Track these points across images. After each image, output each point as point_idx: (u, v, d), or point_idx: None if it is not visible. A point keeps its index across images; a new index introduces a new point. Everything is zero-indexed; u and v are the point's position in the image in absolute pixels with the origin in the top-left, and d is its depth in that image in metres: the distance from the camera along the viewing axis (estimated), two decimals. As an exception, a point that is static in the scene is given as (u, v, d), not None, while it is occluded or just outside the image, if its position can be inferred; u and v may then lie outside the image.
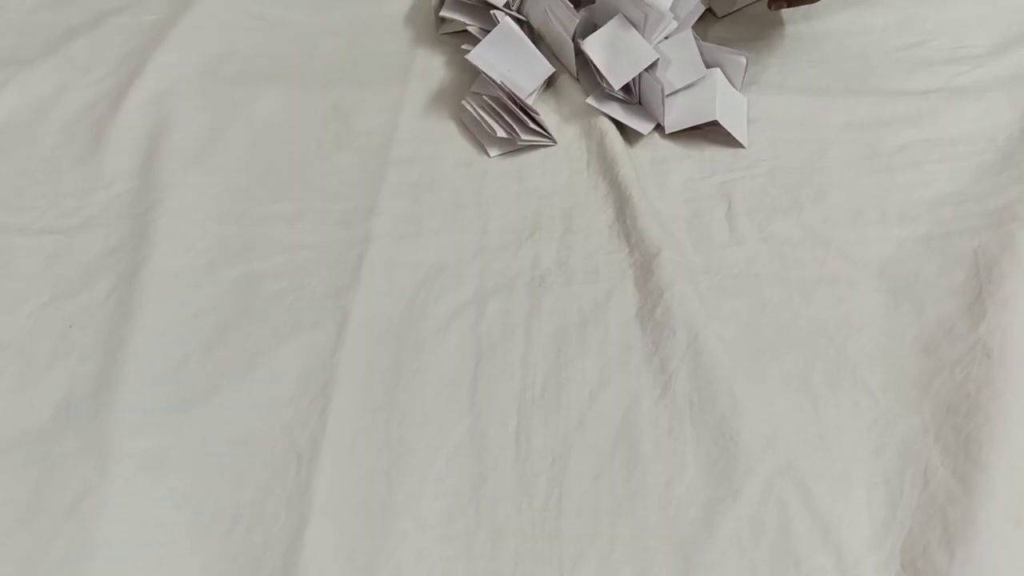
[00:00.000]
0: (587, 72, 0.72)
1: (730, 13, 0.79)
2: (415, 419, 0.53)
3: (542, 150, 0.68)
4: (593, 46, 0.69)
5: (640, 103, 0.70)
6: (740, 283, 0.60)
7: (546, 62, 0.70)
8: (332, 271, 0.60)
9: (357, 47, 0.76)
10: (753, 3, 0.80)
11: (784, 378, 0.55)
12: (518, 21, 0.71)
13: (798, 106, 0.71)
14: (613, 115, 0.69)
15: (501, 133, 0.67)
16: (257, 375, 0.55)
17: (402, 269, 0.60)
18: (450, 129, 0.70)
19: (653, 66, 0.67)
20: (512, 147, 0.68)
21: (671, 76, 0.69)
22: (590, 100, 0.70)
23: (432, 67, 0.74)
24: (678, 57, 0.69)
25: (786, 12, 0.79)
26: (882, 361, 0.56)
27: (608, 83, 0.68)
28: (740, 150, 0.68)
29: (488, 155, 0.68)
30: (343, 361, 0.55)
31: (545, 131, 0.68)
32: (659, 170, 0.67)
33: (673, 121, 0.68)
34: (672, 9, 0.70)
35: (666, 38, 0.70)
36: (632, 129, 0.69)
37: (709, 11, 0.79)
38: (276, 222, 0.63)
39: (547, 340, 0.57)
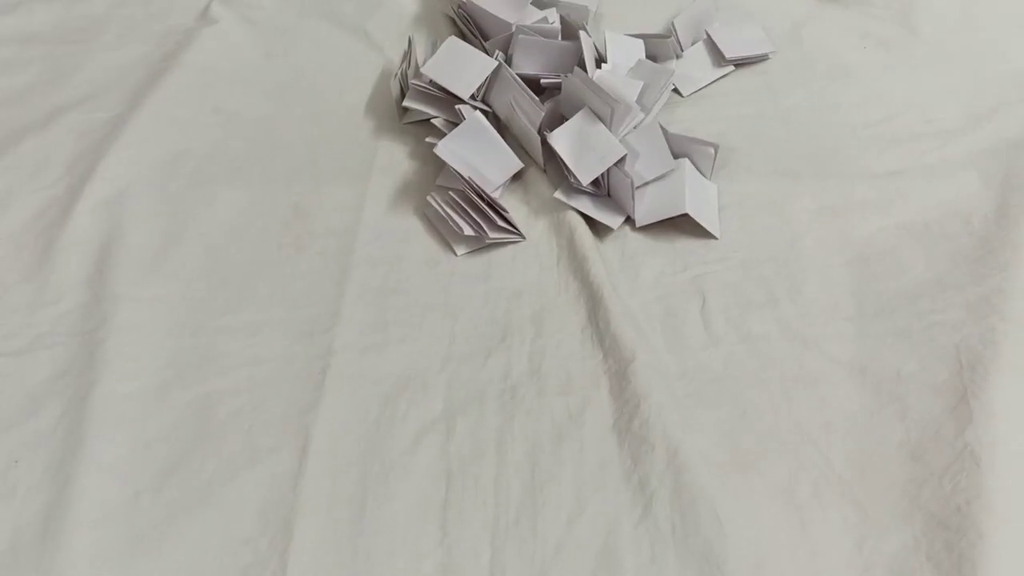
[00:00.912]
0: (554, 164, 0.70)
1: (696, 91, 0.79)
2: (382, 554, 0.50)
3: (511, 247, 0.66)
4: (560, 140, 0.67)
5: (609, 195, 0.68)
6: (718, 388, 0.58)
7: (515, 156, 0.69)
8: (293, 388, 0.57)
9: (318, 140, 0.74)
10: (719, 80, 0.79)
11: (770, 493, 0.53)
12: (483, 112, 0.70)
13: (767, 190, 0.70)
14: (583, 210, 0.67)
15: (468, 231, 0.65)
16: (213, 511, 0.52)
17: (367, 384, 0.58)
18: (415, 226, 0.68)
19: (621, 160, 0.66)
20: (479, 245, 0.66)
21: (640, 168, 0.67)
22: (558, 195, 0.68)
23: (395, 160, 0.72)
24: (646, 150, 0.67)
25: (752, 88, 0.78)
26: (868, 469, 0.54)
27: (576, 178, 0.66)
28: (712, 241, 0.67)
29: (455, 254, 0.66)
30: (305, 491, 0.52)
31: (514, 227, 0.66)
32: (630, 265, 0.65)
33: (643, 215, 0.67)
34: (639, 100, 0.69)
35: (634, 128, 0.69)
36: (602, 222, 0.67)
37: (674, 91, 0.78)
38: (234, 334, 0.60)
39: (520, 459, 0.55)
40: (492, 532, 0.52)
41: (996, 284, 0.61)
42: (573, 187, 0.68)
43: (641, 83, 0.69)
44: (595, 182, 0.67)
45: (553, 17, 0.76)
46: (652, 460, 0.54)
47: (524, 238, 0.67)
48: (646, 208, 0.67)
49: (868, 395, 0.57)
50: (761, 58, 0.80)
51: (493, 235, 0.65)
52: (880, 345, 0.60)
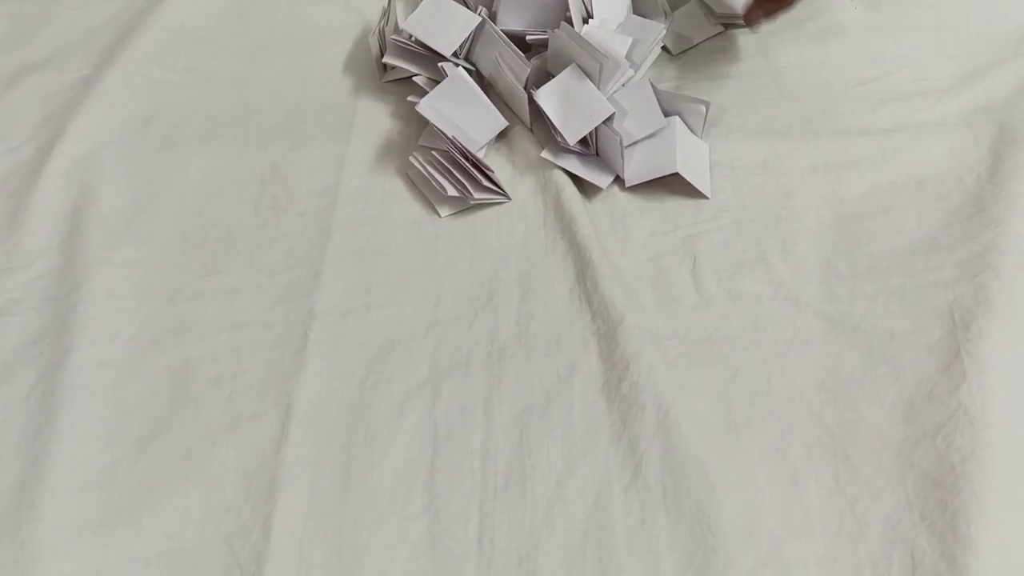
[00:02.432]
0: (541, 123, 0.68)
1: (686, 50, 0.77)
2: (368, 521, 0.49)
3: (496, 207, 0.65)
4: (546, 98, 0.65)
5: (598, 155, 0.67)
6: (709, 348, 0.57)
7: (499, 115, 0.67)
8: (274, 353, 0.56)
9: (294, 101, 0.71)
10: (709, 39, 0.77)
11: (761, 454, 0.52)
12: (466, 69, 0.68)
13: (759, 149, 0.69)
14: (570, 169, 0.65)
15: (452, 191, 0.63)
16: (193, 479, 0.50)
17: (350, 348, 0.56)
18: (397, 187, 0.66)
19: (610, 118, 0.64)
20: (464, 206, 0.64)
21: (629, 126, 0.66)
22: (545, 154, 0.66)
23: (375, 120, 0.70)
24: (635, 107, 0.65)
25: (743, 47, 0.77)
26: (861, 429, 0.53)
27: (562, 137, 0.65)
28: (703, 201, 0.65)
29: (439, 215, 0.64)
30: (288, 458, 0.51)
31: (499, 187, 0.65)
32: (619, 226, 0.64)
33: (632, 174, 0.65)
34: (628, 56, 0.67)
35: (622, 85, 0.67)
36: (590, 182, 0.65)
37: (664, 49, 0.76)
38: (212, 299, 0.59)
39: (509, 422, 0.53)
40: (480, 496, 0.51)
41: (989, 241, 0.60)
42: (560, 146, 0.66)
43: (631, 39, 0.67)
44: (583, 141, 0.66)
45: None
46: (642, 422, 0.53)
47: (510, 199, 0.65)
48: (635, 167, 0.65)
49: (861, 355, 0.56)
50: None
51: (478, 195, 0.64)
52: (873, 305, 0.59)
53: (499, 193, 0.65)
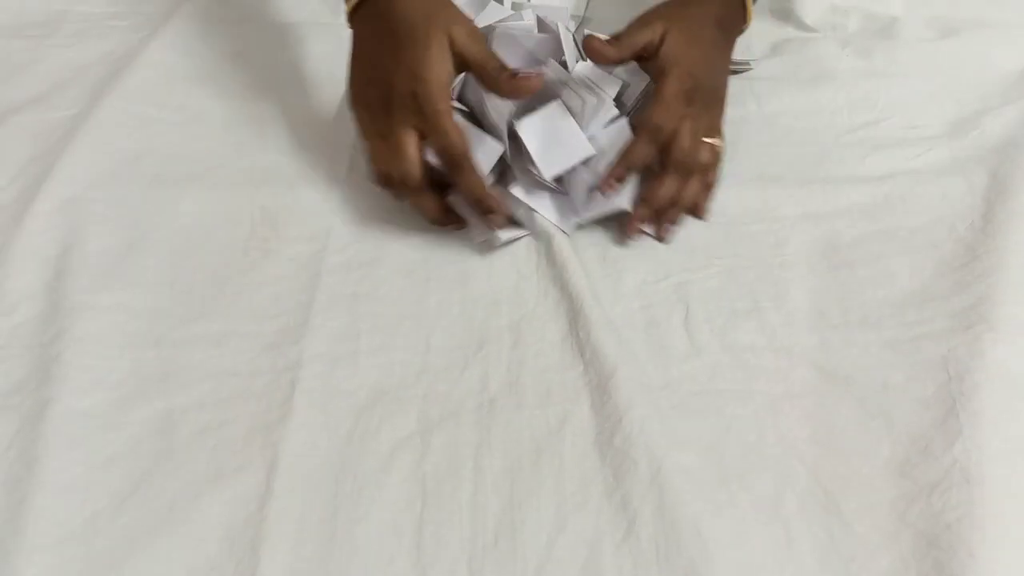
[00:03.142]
0: (519, 161, 0.68)
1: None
2: (354, 572, 0.48)
3: (488, 257, 0.64)
4: (527, 129, 0.65)
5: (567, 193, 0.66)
6: (702, 400, 0.56)
7: (495, 140, 0.66)
8: (260, 403, 0.55)
9: (287, 142, 0.71)
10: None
11: (755, 509, 0.51)
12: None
13: (752, 196, 0.69)
14: (538, 209, 0.65)
15: (480, 236, 0.63)
16: (176, 535, 0.49)
17: (338, 397, 0.55)
18: (389, 232, 0.65)
19: (589, 159, 0.64)
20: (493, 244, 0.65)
21: (602, 168, 0.65)
22: (515, 190, 0.65)
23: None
24: (615, 146, 0.65)
25: (734, 93, 0.77)
26: (856, 484, 0.52)
27: (539, 171, 0.64)
28: (695, 247, 0.65)
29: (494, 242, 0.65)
30: (272, 512, 0.50)
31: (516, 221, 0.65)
32: (611, 271, 0.64)
33: (584, 207, 0.65)
34: (619, 99, 0.67)
35: (603, 127, 0.67)
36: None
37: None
38: (198, 345, 0.58)
39: (498, 476, 0.53)
40: (470, 553, 0.49)
41: (982, 292, 0.60)
42: (534, 182, 0.65)
43: (621, 81, 0.67)
44: (559, 179, 0.65)
45: (529, 17, 0.73)
46: (635, 477, 0.52)
47: (530, 232, 0.65)
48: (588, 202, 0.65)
49: (854, 408, 0.56)
50: (743, 66, 0.79)
51: (505, 236, 0.64)
52: (866, 356, 0.58)
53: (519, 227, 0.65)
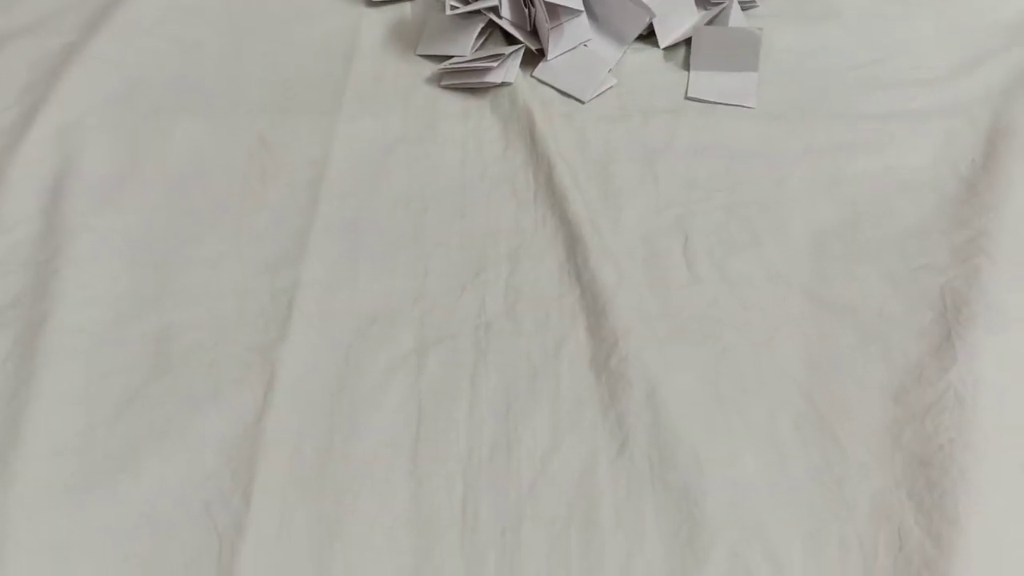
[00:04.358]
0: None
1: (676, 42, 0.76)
2: (350, 491, 0.48)
3: (487, 185, 0.64)
4: None
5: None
6: (700, 327, 0.56)
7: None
8: (258, 322, 0.55)
9: (284, 72, 0.70)
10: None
11: (749, 431, 0.51)
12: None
13: (754, 132, 0.68)
14: (557, 85, 0.70)
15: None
16: (172, 446, 0.49)
17: (335, 319, 0.55)
18: (387, 160, 0.65)
19: None
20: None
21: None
22: (538, 72, 0.71)
23: (366, 92, 0.69)
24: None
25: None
26: (850, 409, 0.52)
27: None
28: (696, 180, 0.65)
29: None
30: (270, 427, 0.50)
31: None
32: (612, 204, 0.63)
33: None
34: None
35: None
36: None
37: (653, 35, 0.75)
38: (195, 266, 0.58)
39: (495, 395, 0.53)
40: (465, 468, 0.50)
41: (982, 226, 0.60)
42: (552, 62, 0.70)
43: None
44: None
45: None
46: (630, 397, 0.52)
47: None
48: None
49: (851, 336, 0.56)
50: (750, 3, 0.78)
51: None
52: (864, 287, 0.58)
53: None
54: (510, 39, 0.72)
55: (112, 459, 0.49)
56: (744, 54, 0.72)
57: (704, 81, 0.71)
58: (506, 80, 0.69)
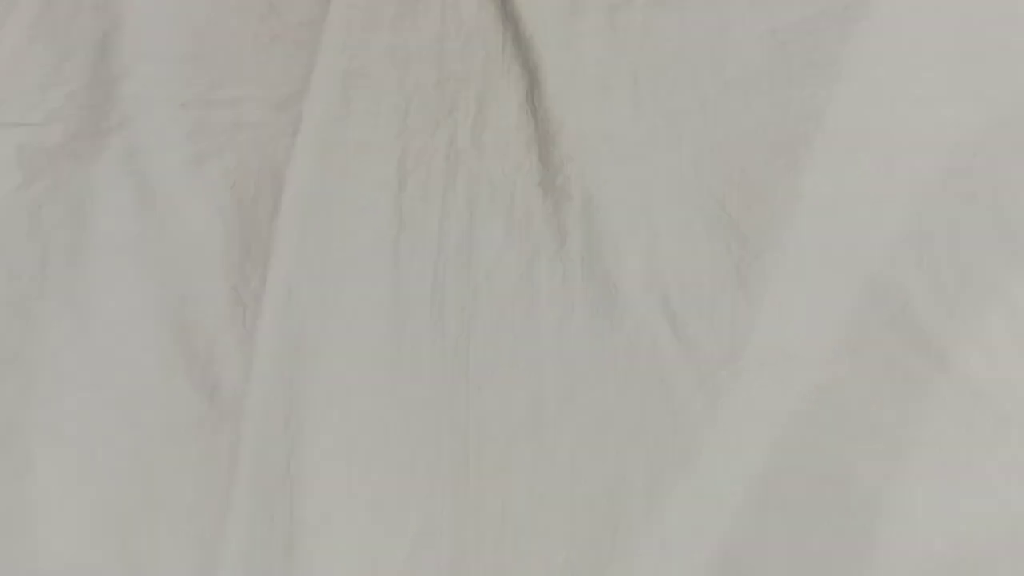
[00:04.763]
0: None
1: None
2: (344, 274, 0.62)
3: (462, 38, 0.75)
4: None
5: None
6: (636, 150, 0.67)
7: None
8: (268, 148, 0.67)
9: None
10: None
11: (668, 230, 0.62)
12: None
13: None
14: None
15: None
16: (199, 246, 0.63)
17: (331, 146, 0.68)
18: (377, 19, 0.76)
19: None
20: None
21: None
22: None
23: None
24: None
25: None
26: (756, 209, 0.63)
27: None
28: (650, 33, 0.74)
29: None
30: (280, 227, 0.63)
31: None
32: (572, 53, 0.73)
33: None
34: None
35: None
36: None
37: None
38: (219, 106, 0.70)
39: (461, 207, 0.65)
40: (435, 261, 0.63)
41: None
42: None
43: None
44: None
45: None
46: (570, 208, 0.64)
47: None
48: None
49: (767, 157, 0.66)
50: None
51: None
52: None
53: None
54: None
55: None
56: None
57: None
58: None
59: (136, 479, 0.55)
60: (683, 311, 0.59)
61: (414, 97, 0.71)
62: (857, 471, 0.51)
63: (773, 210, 0.63)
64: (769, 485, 0.51)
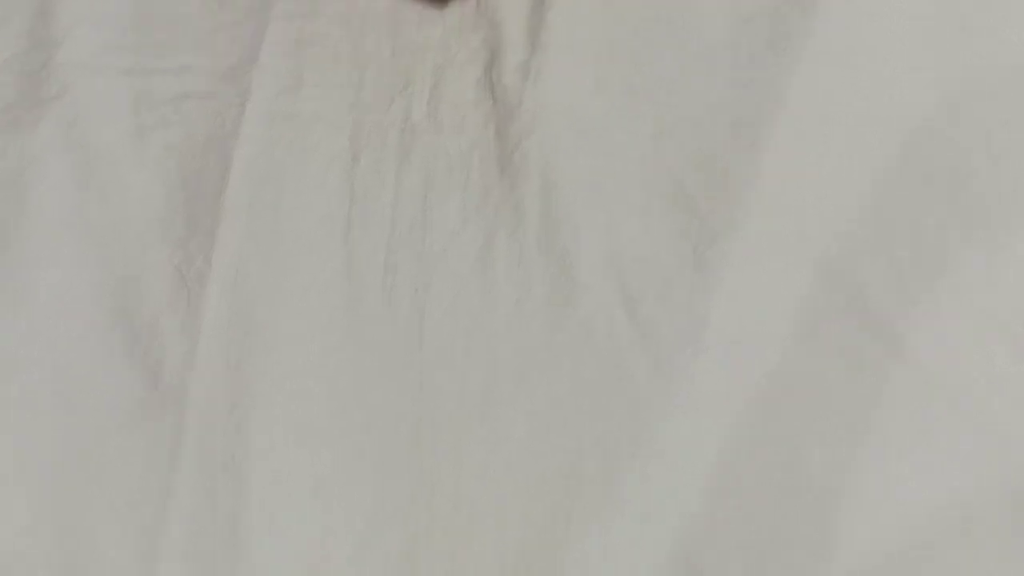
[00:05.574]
0: None
1: None
2: (294, 252, 0.60)
3: (418, 7, 0.72)
4: None
5: None
6: (597, 129, 0.66)
7: None
8: (215, 119, 0.65)
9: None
10: None
11: (626, 208, 0.61)
12: None
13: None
14: None
15: None
16: (144, 217, 0.61)
17: (282, 119, 0.65)
18: (331, -13, 0.73)
19: None
20: None
21: None
22: None
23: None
24: None
25: None
26: (715, 190, 0.62)
27: None
28: (613, 4, 0.72)
29: None
30: (227, 204, 0.61)
31: None
32: (534, 25, 0.71)
33: None
34: None
35: None
36: None
37: None
38: (163, 75, 0.67)
39: (415, 184, 0.63)
40: (388, 238, 0.61)
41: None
42: None
43: None
44: None
45: None
46: (527, 186, 0.63)
47: None
48: None
49: (731, 139, 0.65)
50: None
51: None
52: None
53: None
54: None
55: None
56: None
57: None
58: None
59: (74, 467, 0.53)
60: (640, 294, 0.58)
61: (368, 68, 0.69)
62: (812, 459, 0.50)
63: (732, 191, 0.62)
64: (725, 472, 0.51)
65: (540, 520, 0.50)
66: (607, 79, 0.69)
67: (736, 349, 0.55)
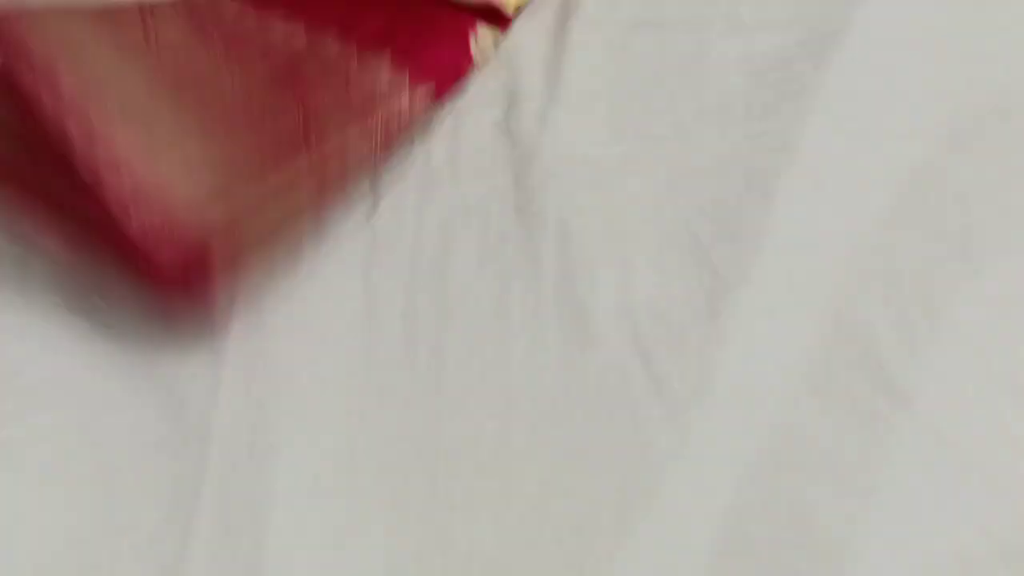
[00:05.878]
0: None
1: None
2: (315, 297, 0.61)
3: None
4: None
5: None
6: (611, 180, 0.67)
7: None
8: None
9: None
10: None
11: (644, 258, 0.63)
12: None
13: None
14: None
15: None
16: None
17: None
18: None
19: None
20: None
21: None
22: None
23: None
24: None
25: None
26: (728, 237, 0.64)
27: None
28: (630, 53, 0.74)
29: None
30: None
31: None
32: (553, 67, 0.73)
33: None
34: None
35: None
36: None
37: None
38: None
39: (434, 230, 0.65)
40: (407, 283, 0.62)
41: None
42: None
43: None
44: None
45: None
46: (544, 234, 0.64)
47: None
48: None
49: (743, 188, 0.66)
50: None
51: None
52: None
53: None
54: None
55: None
56: None
57: None
58: None
59: (97, 502, 0.54)
60: (654, 344, 0.59)
61: (390, 110, 0.71)
62: (821, 514, 0.51)
63: (744, 242, 0.64)
64: (735, 524, 0.51)
65: (554, 572, 0.51)
66: (622, 128, 0.70)
67: (746, 402, 0.56)
